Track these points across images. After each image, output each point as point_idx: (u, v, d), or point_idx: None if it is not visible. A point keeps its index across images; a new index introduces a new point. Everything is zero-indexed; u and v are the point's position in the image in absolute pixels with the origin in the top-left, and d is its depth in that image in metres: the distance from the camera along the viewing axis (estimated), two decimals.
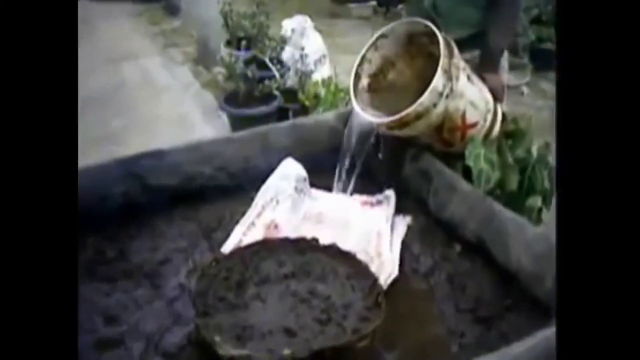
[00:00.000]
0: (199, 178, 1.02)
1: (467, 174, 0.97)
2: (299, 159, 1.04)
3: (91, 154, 1.02)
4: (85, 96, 2.20)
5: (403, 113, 0.92)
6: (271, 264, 0.85)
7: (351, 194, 1.04)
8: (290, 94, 1.99)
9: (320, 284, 0.81)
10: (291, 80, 2.06)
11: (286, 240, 0.89)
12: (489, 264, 0.85)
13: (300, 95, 1.85)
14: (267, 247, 0.88)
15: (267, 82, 1.94)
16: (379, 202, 1.03)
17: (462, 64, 0.96)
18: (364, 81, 1.04)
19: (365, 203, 1.04)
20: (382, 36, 1.02)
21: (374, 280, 0.81)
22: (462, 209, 0.89)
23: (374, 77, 1.04)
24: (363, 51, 1.03)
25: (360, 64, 1.03)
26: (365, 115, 0.98)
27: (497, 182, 0.94)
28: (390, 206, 1.01)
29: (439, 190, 0.94)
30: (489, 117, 1.04)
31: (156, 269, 0.92)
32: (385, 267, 0.91)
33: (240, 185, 1.04)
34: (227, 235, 0.96)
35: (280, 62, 2.09)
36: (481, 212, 0.86)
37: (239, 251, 0.87)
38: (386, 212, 1.00)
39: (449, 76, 0.92)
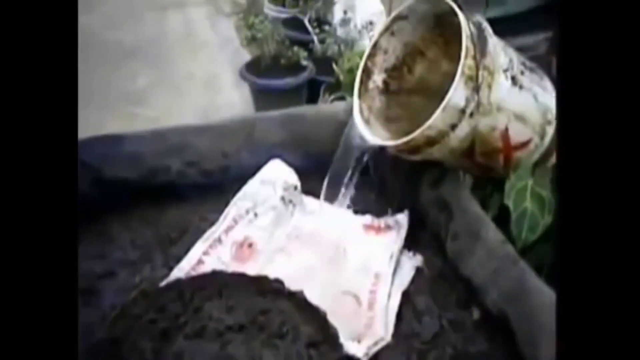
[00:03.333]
0: (164, 173, 0.81)
1: (507, 211, 0.71)
2: (293, 160, 0.82)
3: (112, 114, 0.85)
4: (120, 48, 2.05)
5: (406, 138, 0.67)
6: (217, 308, 0.64)
7: (349, 207, 0.81)
8: (327, 65, 1.72)
9: (270, 350, 0.60)
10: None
11: (244, 277, 0.67)
12: (510, 351, 0.60)
13: (336, 68, 1.58)
14: (218, 282, 0.66)
15: (296, 48, 1.66)
16: (387, 228, 0.79)
17: (503, 61, 0.68)
18: (377, 79, 0.78)
19: (369, 227, 0.80)
20: (399, 18, 0.75)
21: (338, 359, 0.58)
22: (484, 268, 0.63)
23: (393, 72, 0.78)
24: (375, 37, 0.76)
25: (370, 56, 0.77)
26: (365, 132, 0.73)
27: (545, 231, 0.67)
28: (399, 236, 0.77)
29: (460, 234, 0.68)
30: (550, 131, 0.76)
31: (94, 285, 0.74)
32: (376, 327, 0.68)
33: (216, 187, 0.82)
34: (189, 250, 0.76)
35: (320, 24, 1.80)
36: (508, 281, 0.60)
37: (178, 284, 0.67)
38: (392, 245, 0.76)
39: (475, 86, 0.65)
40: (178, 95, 1.70)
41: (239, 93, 1.72)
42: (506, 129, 0.70)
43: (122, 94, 1.64)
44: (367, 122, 0.75)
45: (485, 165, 0.73)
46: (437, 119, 0.66)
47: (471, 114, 0.67)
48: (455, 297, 0.69)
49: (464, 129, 0.68)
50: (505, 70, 0.68)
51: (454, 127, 0.67)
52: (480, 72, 0.65)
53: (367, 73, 0.77)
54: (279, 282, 0.65)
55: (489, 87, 0.67)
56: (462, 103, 0.66)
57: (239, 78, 1.65)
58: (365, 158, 0.77)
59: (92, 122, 0.80)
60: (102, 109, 1.49)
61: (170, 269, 0.74)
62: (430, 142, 0.68)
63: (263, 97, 1.61)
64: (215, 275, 0.67)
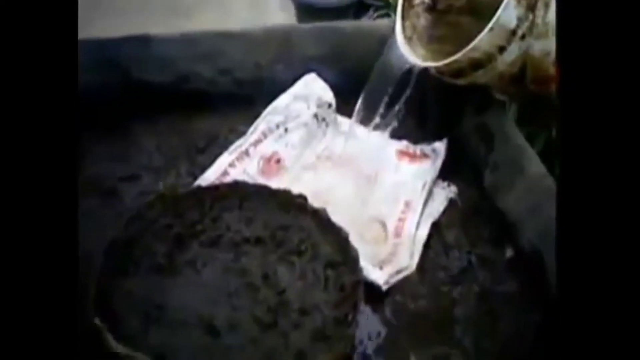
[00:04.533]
0: (195, 80, 0.78)
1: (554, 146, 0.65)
2: (329, 77, 0.77)
3: (155, 25, 0.81)
4: None
5: (448, 60, 0.61)
6: (236, 219, 0.61)
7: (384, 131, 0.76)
8: None
9: (285, 266, 0.57)
10: None
11: (267, 190, 0.64)
12: (540, 293, 0.56)
13: None
14: (239, 193, 0.63)
15: None
16: (423, 156, 0.75)
17: None
18: None
19: (404, 153, 0.76)
20: None
21: (356, 281, 0.55)
22: (523, 203, 0.59)
23: None
24: None
25: None
26: (406, 52, 0.67)
27: None
28: (434, 166, 0.72)
29: (500, 166, 0.63)
30: None
31: (115, 187, 0.72)
32: (400, 256, 0.64)
33: (248, 98, 0.78)
34: (215, 160, 0.74)
35: None
36: (546, 218, 0.55)
37: (199, 192, 0.64)
38: (426, 174, 0.72)
39: (530, 4, 0.58)
40: (223, 12, 1.64)
41: (284, 14, 1.65)
42: None
43: (168, 6, 1.60)
44: (409, 40, 0.69)
45: (536, 94, 0.67)
46: (482, 40, 0.60)
47: (523, 36, 0.60)
48: (487, 232, 0.65)
49: (513, 52, 0.61)
50: None
51: (502, 49, 0.61)
52: None
53: None
54: (302, 197, 0.62)
55: (546, 5, 0.60)
56: (513, 23, 0.59)
57: None
58: (405, 81, 0.72)
59: (132, 31, 0.77)
60: (146, 18, 1.46)
61: (195, 177, 0.71)
62: (475, 65, 0.62)
63: (307, 17, 1.54)
64: (237, 185, 0.64)
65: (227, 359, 0.49)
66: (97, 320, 0.49)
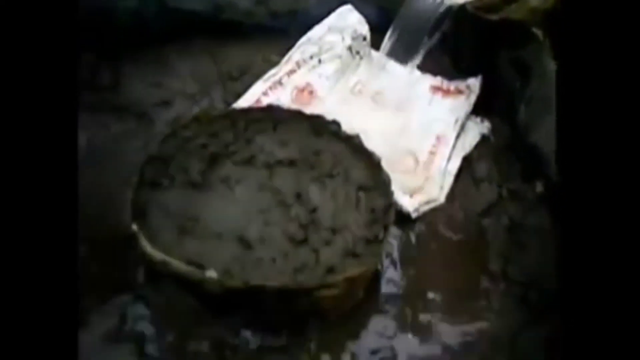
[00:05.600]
0: (230, 10, 0.77)
1: None
2: (366, 9, 0.76)
3: None
4: None
5: None
6: (269, 141, 0.62)
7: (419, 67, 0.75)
8: None
9: (317, 186, 0.58)
10: None
11: (301, 115, 0.64)
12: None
13: None
14: (273, 117, 0.64)
15: None
16: (457, 92, 0.74)
17: None
18: None
19: (437, 89, 0.75)
20: None
21: (388, 205, 0.56)
22: (553, 136, 0.58)
23: None
24: None
25: None
26: None
27: None
28: (468, 101, 0.72)
29: (534, 99, 0.62)
30: None
31: (148, 112, 0.72)
32: (430, 187, 0.65)
33: (283, 30, 0.78)
34: (248, 89, 0.74)
35: None
36: None
37: (233, 114, 0.64)
38: (459, 110, 0.71)
39: None
40: None
41: None
42: None
43: None
44: None
45: None
46: None
47: None
48: (519, 168, 0.65)
49: None
50: None
51: None
52: None
53: None
54: (336, 123, 0.62)
55: None
56: None
57: None
58: (440, 16, 0.71)
59: None
60: None
61: (229, 104, 0.72)
62: None
63: None
64: (272, 109, 0.64)
65: (259, 270, 0.50)
66: (134, 227, 0.51)
